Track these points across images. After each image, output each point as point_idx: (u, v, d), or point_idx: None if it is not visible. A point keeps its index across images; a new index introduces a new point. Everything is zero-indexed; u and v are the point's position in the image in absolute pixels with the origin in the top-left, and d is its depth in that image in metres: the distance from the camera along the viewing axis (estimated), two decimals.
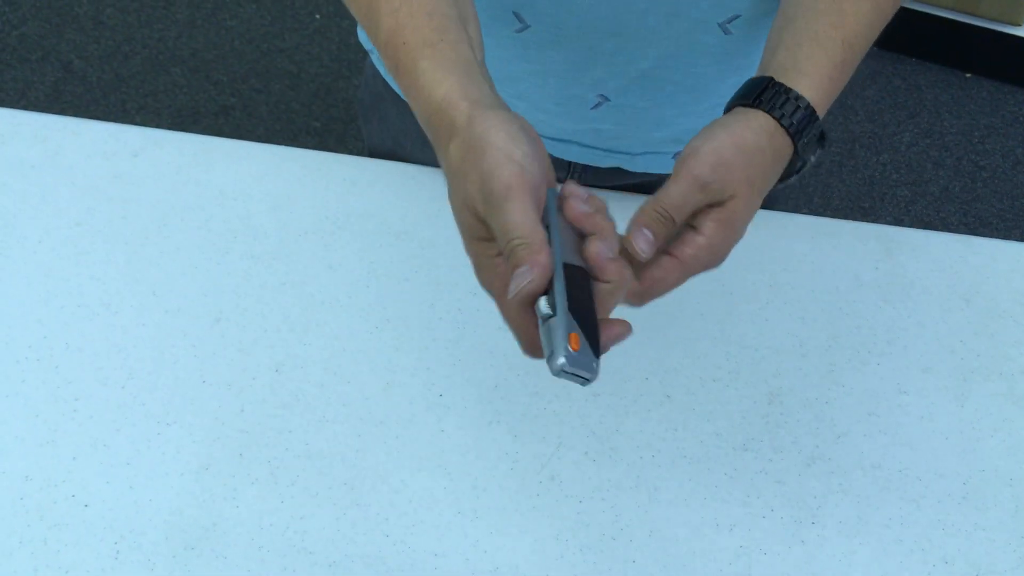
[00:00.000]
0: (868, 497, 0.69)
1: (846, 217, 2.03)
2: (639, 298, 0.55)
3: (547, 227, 0.50)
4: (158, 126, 0.83)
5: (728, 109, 0.58)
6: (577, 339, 0.45)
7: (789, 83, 0.56)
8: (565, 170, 0.86)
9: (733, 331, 0.78)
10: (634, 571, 0.65)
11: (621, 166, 0.84)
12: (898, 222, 2.02)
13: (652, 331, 0.77)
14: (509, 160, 0.49)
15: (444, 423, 0.71)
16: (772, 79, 0.56)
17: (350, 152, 0.89)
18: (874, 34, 0.61)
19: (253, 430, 0.69)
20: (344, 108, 2.13)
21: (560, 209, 0.52)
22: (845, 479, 0.70)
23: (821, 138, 0.58)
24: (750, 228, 0.58)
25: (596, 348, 0.46)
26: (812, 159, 0.59)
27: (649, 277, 0.54)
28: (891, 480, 0.70)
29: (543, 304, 0.47)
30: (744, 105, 0.56)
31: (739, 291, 0.79)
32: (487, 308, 0.76)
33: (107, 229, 0.80)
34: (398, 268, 0.79)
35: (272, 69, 2.21)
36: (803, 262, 0.83)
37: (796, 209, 0.87)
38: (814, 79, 0.57)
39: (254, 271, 0.78)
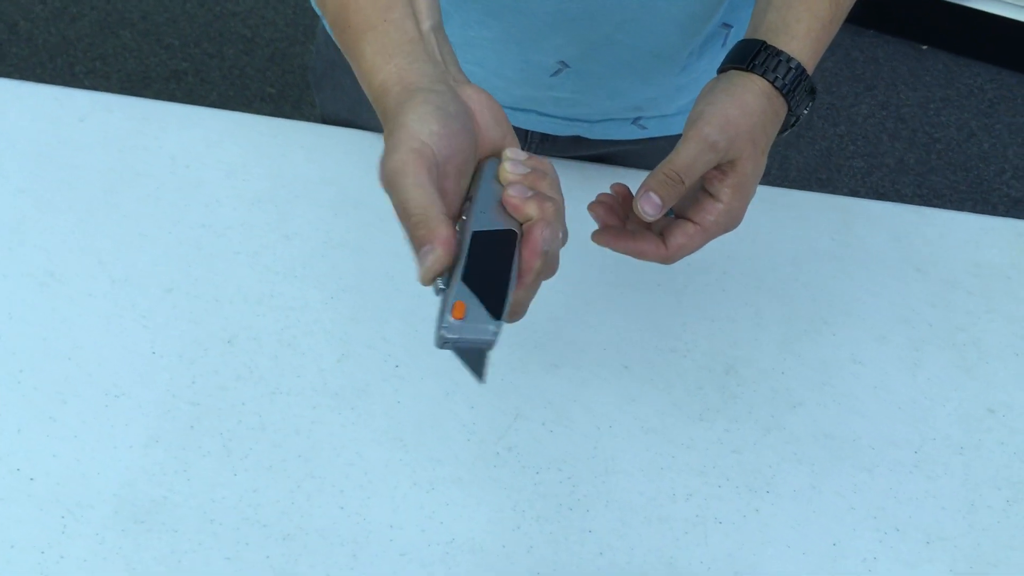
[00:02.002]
0: (822, 466, 0.70)
1: (803, 188, 2.04)
2: (668, 260, 0.60)
3: (469, 198, 0.49)
4: (107, 91, 0.81)
5: (722, 70, 0.61)
6: (462, 307, 0.44)
7: (780, 45, 0.59)
8: (523, 139, 0.85)
9: (691, 302, 0.78)
10: (591, 541, 0.65)
11: (580, 134, 0.83)
12: (854, 193, 2.04)
13: (610, 302, 0.77)
14: (411, 139, 0.48)
15: (400, 394, 0.70)
16: (764, 43, 0.60)
17: (306, 119, 0.87)
18: None
19: (205, 402, 0.68)
20: (300, 74, 2.09)
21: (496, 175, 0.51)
22: (799, 448, 0.71)
23: (811, 92, 0.62)
24: None
25: (499, 311, 0.45)
26: (805, 112, 0.62)
27: (673, 243, 0.59)
28: (844, 449, 0.71)
29: (438, 279, 0.46)
30: (739, 68, 0.60)
31: (697, 262, 0.79)
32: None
33: (53, 196, 0.78)
34: (354, 238, 0.78)
35: (225, 33, 2.16)
36: (760, 233, 0.83)
37: None
38: (803, 40, 0.60)
39: (206, 240, 0.77)
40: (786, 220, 0.84)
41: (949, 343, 0.78)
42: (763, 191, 0.85)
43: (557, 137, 0.84)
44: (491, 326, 0.44)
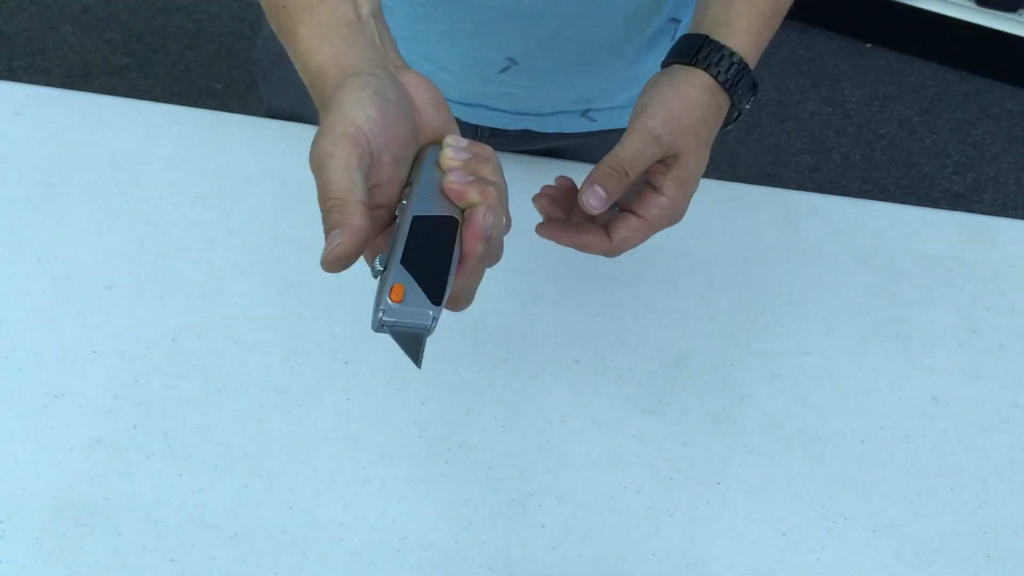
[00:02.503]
0: (771, 456, 0.70)
1: (751, 183, 2.06)
2: (611, 252, 0.60)
3: (411, 183, 0.48)
4: (47, 86, 0.79)
5: (665, 64, 0.62)
6: (401, 290, 0.43)
7: (722, 39, 0.60)
8: (473, 134, 0.84)
9: (641, 295, 0.78)
10: (544, 536, 0.65)
11: (530, 128, 0.83)
12: (802, 188, 2.06)
13: (560, 295, 0.77)
14: (345, 122, 0.47)
15: (350, 391, 0.69)
16: (707, 37, 0.60)
17: (253, 115, 0.85)
18: None
19: (148, 401, 0.67)
20: (246, 69, 2.06)
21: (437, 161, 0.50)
22: (749, 439, 0.71)
23: (753, 86, 0.62)
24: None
25: (438, 296, 0.44)
26: (747, 107, 0.63)
27: (617, 236, 0.59)
28: (793, 439, 0.72)
29: (377, 261, 0.45)
30: (683, 63, 0.60)
31: (647, 255, 0.79)
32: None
33: None
34: (300, 232, 0.77)
35: (169, 27, 2.12)
36: (709, 226, 0.83)
37: (704, 175, 0.88)
38: (745, 35, 0.60)
39: (147, 236, 0.75)
40: (734, 213, 0.85)
41: (894, 333, 0.79)
42: (712, 185, 0.86)
43: (507, 132, 0.83)
44: (430, 311, 0.43)
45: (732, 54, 0.60)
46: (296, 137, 0.83)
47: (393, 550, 0.63)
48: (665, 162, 0.58)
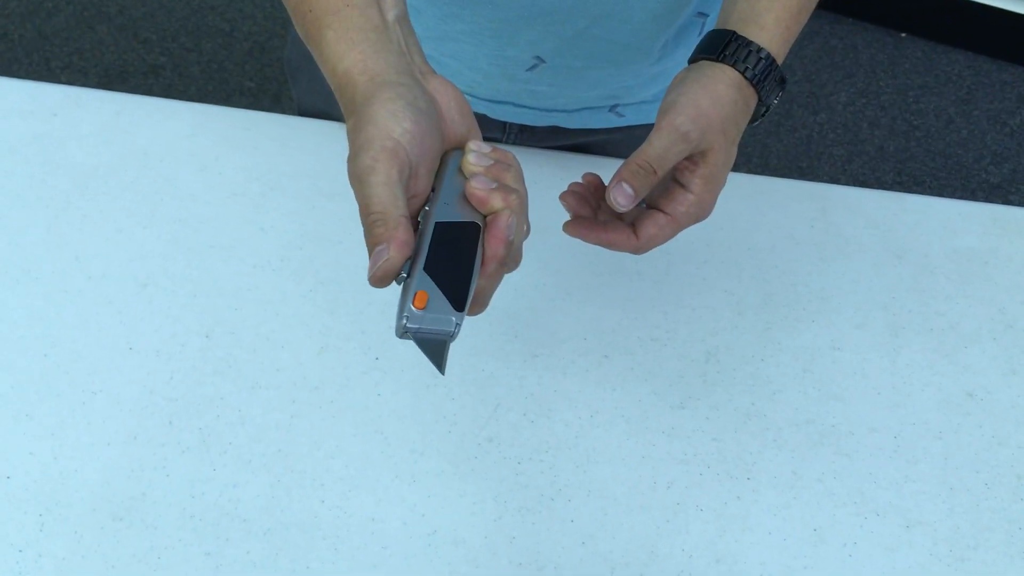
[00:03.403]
0: (802, 452, 0.70)
1: (783, 176, 2.04)
2: (639, 250, 0.60)
3: (434, 188, 0.49)
4: (84, 86, 0.80)
5: (692, 61, 0.62)
6: (424, 297, 0.44)
7: (750, 35, 0.60)
8: (501, 130, 0.85)
9: (670, 290, 0.78)
10: (572, 531, 0.65)
11: (558, 124, 0.83)
12: (835, 181, 2.05)
13: (589, 291, 0.77)
14: (383, 136, 0.48)
15: (381, 387, 0.70)
16: (734, 33, 0.60)
17: (285, 113, 0.86)
18: None
19: (183, 398, 0.68)
20: (279, 67, 2.08)
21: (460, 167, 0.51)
22: (779, 435, 0.71)
23: (781, 82, 0.62)
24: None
25: (461, 303, 0.44)
26: (775, 102, 0.63)
27: (644, 234, 0.59)
28: (824, 435, 0.71)
29: (403, 270, 0.46)
30: (710, 59, 0.60)
31: (676, 250, 0.79)
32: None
33: (26, 192, 0.77)
34: (331, 230, 0.77)
35: (203, 27, 2.15)
36: (739, 221, 0.83)
37: (734, 168, 0.88)
38: (772, 31, 0.60)
39: (181, 234, 0.76)
40: (766, 208, 0.84)
41: (927, 328, 0.78)
42: (743, 179, 0.86)
43: (535, 128, 0.83)
44: (453, 317, 0.44)
45: (760, 50, 0.59)
46: (327, 135, 0.84)
47: (423, 545, 0.63)
48: (692, 159, 0.58)
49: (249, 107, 0.86)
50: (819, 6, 0.67)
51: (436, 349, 0.44)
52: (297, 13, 0.56)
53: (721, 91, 0.58)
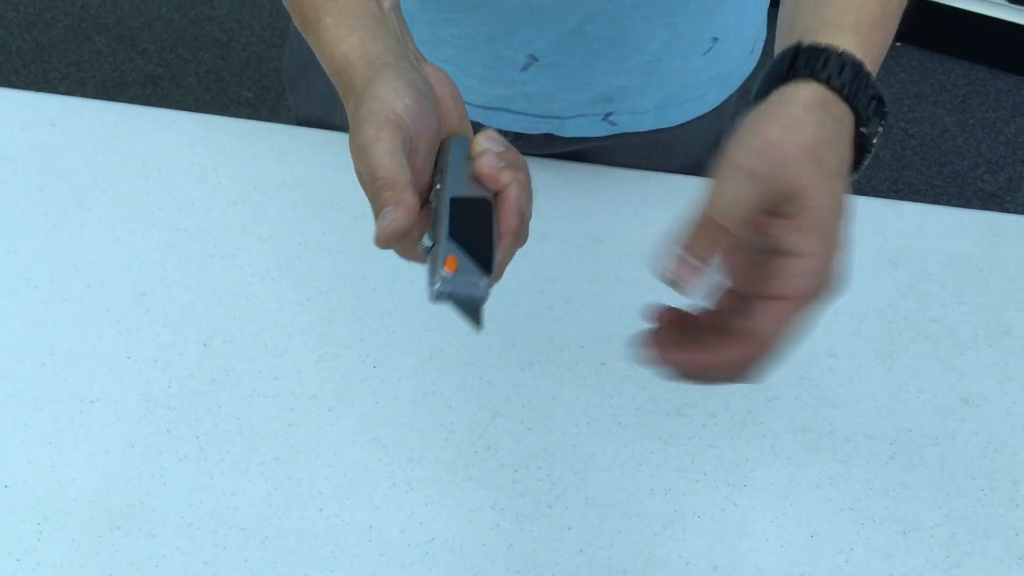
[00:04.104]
0: (798, 459, 0.70)
1: None
2: (755, 370, 0.43)
3: (440, 170, 0.50)
4: (82, 96, 0.81)
5: (758, 97, 0.48)
6: (454, 261, 0.44)
7: (825, 41, 0.46)
8: None
9: (667, 298, 0.78)
10: (570, 538, 0.65)
11: (552, 132, 0.83)
12: None
13: (586, 299, 0.77)
14: (386, 109, 0.47)
15: (378, 395, 0.70)
16: (800, 43, 0.47)
17: (284, 123, 0.86)
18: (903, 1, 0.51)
19: (181, 406, 0.68)
20: (276, 77, 2.09)
21: (469, 157, 0.51)
22: (776, 442, 0.71)
23: (880, 104, 0.47)
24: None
25: (488, 265, 0.45)
26: (879, 129, 0.47)
27: (763, 331, 0.42)
28: (821, 442, 0.71)
29: (425, 238, 0.47)
30: (780, 83, 0.46)
31: None
32: (420, 279, 0.75)
33: (24, 201, 0.77)
34: (329, 239, 0.78)
35: (201, 37, 2.15)
36: None
37: None
38: (856, 32, 0.47)
39: (180, 243, 0.76)
40: None
41: (923, 335, 0.78)
42: None
43: (529, 136, 0.84)
44: (483, 280, 0.45)
45: (842, 53, 0.45)
46: (325, 144, 0.84)
47: (421, 552, 0.63)
48: (786, 213, 0.43)
49: (247, 117, 0.86)
50: None
51: (472, 308, 0.45)
52: (294, 3, 0.56)
53: (794, 112, 0.44)
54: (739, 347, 0.43)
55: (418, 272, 0.75)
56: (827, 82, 0.44)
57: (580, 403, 0.71)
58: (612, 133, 0.84)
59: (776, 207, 0.43)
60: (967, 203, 2.07)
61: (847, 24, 0.47)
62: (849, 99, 0.45)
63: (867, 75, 0.46)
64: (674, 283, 0.42)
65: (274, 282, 0.75)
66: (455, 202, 0.47)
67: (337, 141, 0.84)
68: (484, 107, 0.81)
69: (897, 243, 0.84)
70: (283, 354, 0.71)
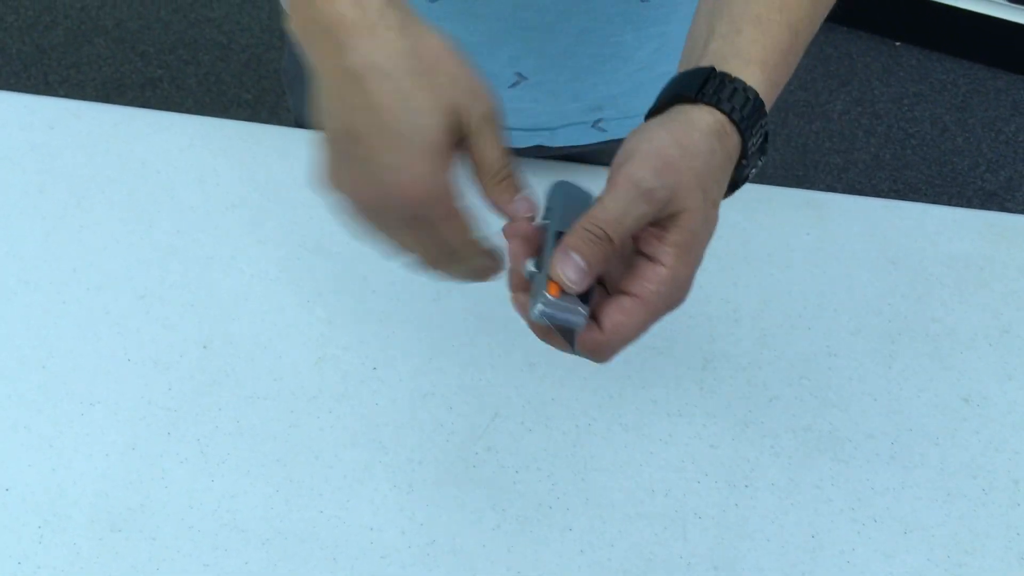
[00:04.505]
0: (799, 459, 0.70)
1: (780, 184, 2.05)
2: (599, 353, 0.46)
3: (548, 209, 0.51)
4: (82, 99, 0.81)
5: (661, 105, 0.49)
6: (557, 287, 0.46)
7: (734, 72, 0.47)
8: None
9: None
10: (571, 539, 0.65)
11: (542, 143, 0.83)
12: (831, 189, 2.05)
13: None
14: (483, 81, 0.44)
15: (378, 397, 0.70)
16: (714, 68, 0.48)
17: (283, 124, 0.86)
18: (818, 21, 0.53)
19: (181, 408, 0.68)
20: (276, 79, 2.09)
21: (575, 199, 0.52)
22: (777, 442, 0.71)
23: (764, 142, 0.50)
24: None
25: (586, 298, 0.46)
26: (757, 167, 0.50)
27: (609, 322, 0.45)
28: (821, 442, 0.71)
29: (530, 264, 0.48)
30: (684, 101, 0.47)
31: None
32: (420, 281, 0.75)
33: (24, 203, 0.77)
34: (329, 241, 0.78)
35: (200, 40, 2.15)
36: (736, 229, 0.83)
37: None
38: (762, 67, 0.48)
39: (180, 245, 0.76)
40: (762, 216, 0.85)
41: (923, 334, 0.78)
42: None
43: (519, 149, 0.84)
44: (582, 309, 0.46)
45: (747, 88, 0.47)
46: None
47: (422, 554, 0.63)
48: (661, 224, 0.45)
49: (247, 119, 0.86)
50: None
51: (568, 333, 0.47)
52: None
53: (696, 139, 0.45)
54: (588, 334, 0.46)
55: (420, 274, 0.75)
56: (728, 114, 0.46)
57: (580, 404, 0.71)
58: (602, 140, 0.84)
59: (654, 218, 0.45)
60: (967, 202, 2.07)
61: (755, 58, 0.48)
62: (742, 133, 0.47)
63: (764, 113, 0.48)
64: (567, 283, 0.45)
65: (274, 284, 0.75)
66: (559, 235, 0.48)
67: None
68: None
69: (897, 243, 0.84)
70: (283, 356, 0.71)
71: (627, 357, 0.74)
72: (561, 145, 0.83)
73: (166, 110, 0.85)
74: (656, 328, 0.76)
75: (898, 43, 2.35)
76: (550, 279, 0.46)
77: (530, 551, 0.64)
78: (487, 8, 0.69)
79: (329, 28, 0.42)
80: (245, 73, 2.10)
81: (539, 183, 0.52)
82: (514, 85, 0.76)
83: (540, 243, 0.49)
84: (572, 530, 0.65)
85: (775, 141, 2.13)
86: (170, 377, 0.69)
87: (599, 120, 0.82)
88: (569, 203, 0.51)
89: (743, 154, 0.48)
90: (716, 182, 0.46)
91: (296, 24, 0.45)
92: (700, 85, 0.47)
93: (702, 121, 0.46)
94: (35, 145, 0.81)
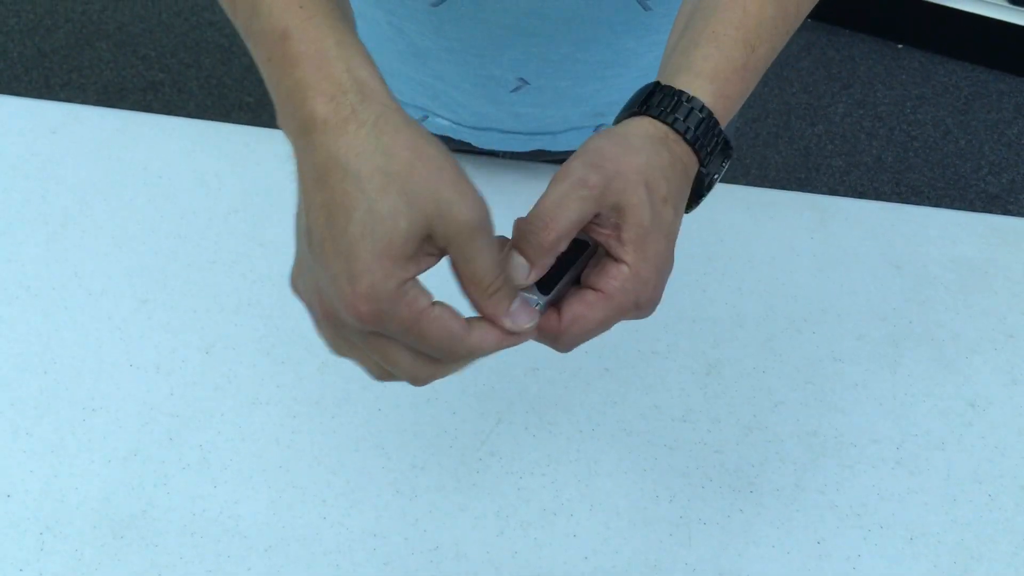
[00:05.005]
0: (804, 464, 0.70)
1: (782, 188, 2.05)
2: (559, 342, 0.46)
3: None
4: (83, 102, 0.80)
5: (615, 123, 0.51)
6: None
7: (680, 85, 0.48)
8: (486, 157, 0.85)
9: (671, 303, 0.78)
10: (575, 546, 0.65)
11: (544, 147, 0.83)
12: (833, 192, 2.05)
13: None
14: (471, 187, 0.41)
15: (381, 402, 0.70)
16: (658, 83, 0.49)
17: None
18: (780, 41, 0.53)
19: (183, 414, 0.68)
20: None
21: None
22: (782, 447, 0.71)
23: (726, 147, 0.50)
24: None
25: (547, 289, 0.46)
26: (720, 172, 0.51)
27: (569, 312, 0.45)
28: (827, 447, 0.71)
29: (532, 298, 0.47)
30: (632, 115, 0.49)
31: (676, 263, 0.79)
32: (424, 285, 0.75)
33: (25, 208, 0.77)
34: None
35: (202, 43, 2.15)
36: (739, 233, 0.83)
37: (733, 180, 0.88)
38: (712, 80, 0.49)
39: (181, 250, 0.76)
40: (764, 220, 0.84)
41: (928, 339, 0.78)
42: (742, 191, 0.86)
43: (521, 153, 0.83)
44: (535, 297, 0.46)
45: (692, 99, 0.48)
46: None
47: (425, 560, 0.63)
48: (615, 224, 0.46)
49: (248, 122, 0.86)
50: (816, 17, 0.62)
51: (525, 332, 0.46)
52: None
53: (634, 140, 0.46)
54: (545, 320, 0.46)
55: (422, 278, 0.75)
56: (671, 124, 0.47)
57: (584, 409, 0.71)
58: None
59: (603, 218, 0.45)
60: (970, 205, 2.06)
61: (705, 72, 0.49)
62: (691, 142, 0.47)
63: (715, 123, 0.48)
64: (516, 280, 0.44)
65: (276, 288, 0.75)
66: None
67: None
68: (474, 127, 0.80)
69: (901, 247, 0.84)
70: (285, 361, 0.71)
71: (631, 361, 0.74)
72: (563, 149, 0.83)
73: (168, 114, 0.85)
74: (659, 332, 0.76)
75: (900, 46, 2.35)
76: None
77: (534, 557, 0.64)
78: (489, 14, 0.69)
79: (303, 125, 0.41)
80: (247, 77, 2.10)
81: (539, 187, 0.51)
82: (516, 90, 0.75)
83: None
84: (576, 536, 0.65)
85: (777, 144, 2.12)
86: (172, 382, 0.69)
87: (601, 125, 0.82)
88: None
89: (701, 164, 0.49)
90: (665, 180, 0.46)
91: (280, 123, 0.44)
92: (645, 98, 0.48)
93: (640, 128, 0.47)
94: (37, 150, 0.80)
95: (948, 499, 0.69)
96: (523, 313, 0.44)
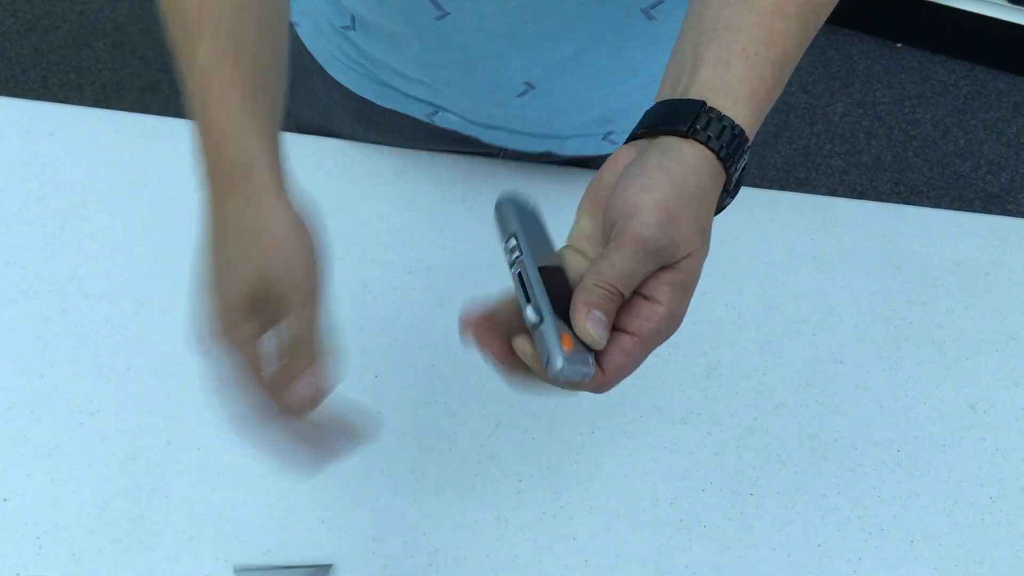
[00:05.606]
0: (805, 467, 0.70)
1: (782, 188, 2.05)
2: (603, 389, 0.47)
3: (513, 235, 0.48)
4: (81, 103, 0.80)
5: (649, 130, 0.50)
6: (570, 340, 0.44)
7: (723, 108, 0.48)
8: (494, 155, 0.85)
9: None
10: (575, 549, 0.64)
11: (551, 151, 0.82)
12: (832, 192, 2.05)
13: None
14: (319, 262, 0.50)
15: (380, 405, 0.69)
16: (704, 103, 0.49)
17: (284, 129, 0.86)
18: (799, 56, 0.53)
19: (181, 418, 0.67)
20: None
21: (533, 215, 0.50)
22: (782, 450, 0.70)
23: (742, 172, 0.51)
24: None
25: (587, 345, 0.46)
26: (736, 194, 0.52)
27: (612, 362, 0.46)
28: (827, 449, 0.71)
29: (530, 313, 0.45)
30: (677, 134, 0.48)
31: None
32: (421, 287, 0.75)
33: (23, 211, 0.76)
34: (329, 246, 0.77)
35: None
36: (740, 234, 0.83)
37: None
38: (748, 104, 0.49)
39: (180, 253, 0.76)
40: (765, 221, 0.84)
41: (929, 340, 0.78)
42: (742, 192, 0.85)
43: (529, 153, 0.83)
44: (592, 360, 0.45)
45: (735, 126, 0.48)
46: (324, 151, 0.83)
47: (424, 564, 0.63)
48: (662, 265, 0.47)
49: None
50: None
51: (573, 385, 0.46)
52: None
53: (691, 182, 0.47)
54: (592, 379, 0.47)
55: (419, 279, 0.75)
56: (717, 152, 0.48)
57: (584, 412, 0.71)
58: (612, 151, 0.83)
59: (659, 265, 0.47)
60: (969, 204, 2.06)
61: (743, 95, 0.49)
62: (728, 170, 0.48)
63: (746, 151, 0.49)
64: (596, 342, 0.45)
65: None
66: (544, 271, 0.46)
67: (337, 148, 0.83)
68: (483, 125, 0.80)
69: (902, 248, 0.84)
70: None
71: None
72: (571, 154, 0.83)
73: (166, 115, 0.85)
74: None
75: (899, 45, 2.35)
76: (564, 333, 0.44)
77: (534, 560, 0.64)
78: (491, 25, 0.69)
79: (204, 182, 0.51)
80: None
81: (547, 190, 0.51)
82: (522, 94, 0.75)
83: (522, 281, 0.47)
84: (576, 539, 0.65)
85: (776, 143, 2.12)
86: (170, 386, 0.69)
87: (610, 132, 0.82)
88: (527, 227, 0.49)
89: (725, 186, 0.50)
90: (710, 221, 0.48)
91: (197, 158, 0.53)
92: (692, 120, 0.48)
93: (693, 160, 0.47)
94: (34, 152, 0.80)
95: (949, 501, 0.69)
96: (306, 386, 0.50)
